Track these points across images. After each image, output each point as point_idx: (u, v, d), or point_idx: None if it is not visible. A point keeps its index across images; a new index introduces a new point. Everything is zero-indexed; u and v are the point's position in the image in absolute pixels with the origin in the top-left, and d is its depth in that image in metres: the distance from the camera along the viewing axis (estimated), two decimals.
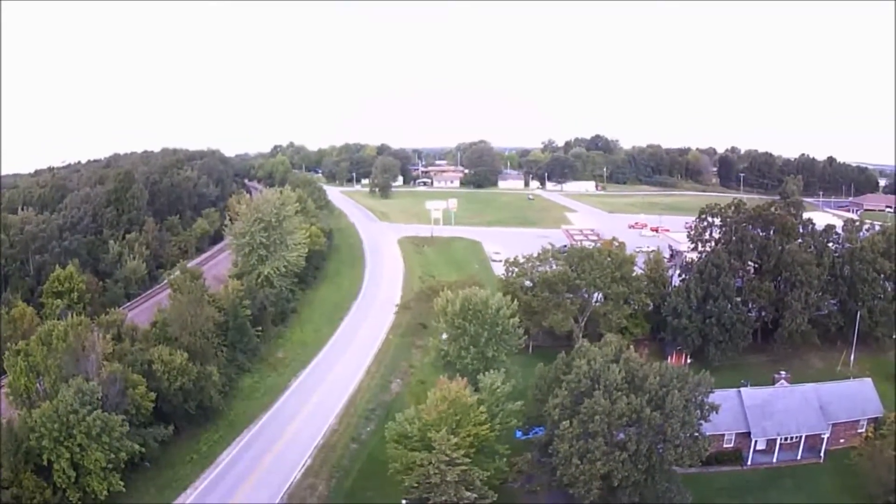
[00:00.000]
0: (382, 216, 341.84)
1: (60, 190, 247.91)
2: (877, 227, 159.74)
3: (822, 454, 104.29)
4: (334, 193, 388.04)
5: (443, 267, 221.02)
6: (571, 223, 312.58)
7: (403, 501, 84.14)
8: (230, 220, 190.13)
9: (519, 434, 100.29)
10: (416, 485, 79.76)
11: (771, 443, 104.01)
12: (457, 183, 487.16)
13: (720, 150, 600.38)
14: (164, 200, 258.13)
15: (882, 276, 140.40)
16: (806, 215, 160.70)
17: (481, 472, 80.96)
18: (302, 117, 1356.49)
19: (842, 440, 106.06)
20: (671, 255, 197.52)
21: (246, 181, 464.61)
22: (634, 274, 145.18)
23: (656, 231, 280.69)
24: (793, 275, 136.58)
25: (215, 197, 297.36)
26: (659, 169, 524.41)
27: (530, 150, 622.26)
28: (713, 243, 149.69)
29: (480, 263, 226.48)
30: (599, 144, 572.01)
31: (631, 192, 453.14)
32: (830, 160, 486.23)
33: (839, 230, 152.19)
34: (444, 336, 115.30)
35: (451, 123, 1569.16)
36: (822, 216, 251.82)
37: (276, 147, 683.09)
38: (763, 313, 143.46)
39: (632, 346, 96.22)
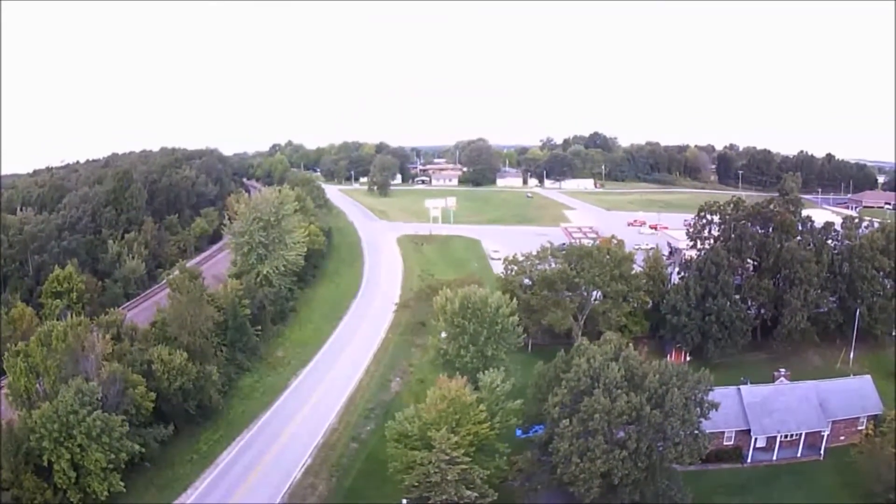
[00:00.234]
0: (381, 214, 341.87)
1: (59, 190, 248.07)
2: (876, 225, 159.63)
3: (822, 452, 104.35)
4: (333, 192, 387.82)
5: (442, 265, 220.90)
6: (570, 221, 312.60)
7: (404, 500, 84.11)
8: (229, 219, 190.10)
9: (519, 433, 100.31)
10: (416, 484, 79.78)
11: (771, 440, 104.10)
12: (455, 181, 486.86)
13: (719, 147, 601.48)
14: (163, 200, 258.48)
15: (881, 273, 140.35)
16: (805, 212, 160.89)
17: (481, 471, 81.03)
18: (300, 116, 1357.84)
19: (842, 437, 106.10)
20: (670, 253, 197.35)
21: (244, 180, 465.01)
22: (633, 272, 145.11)
23: (655, 229, 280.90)
24: (792, 272, 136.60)
25: (214, 196, 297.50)
26: (657, 166, 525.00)
27: (529, 148, 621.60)
28: (712, 241, 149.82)
29: (479, 262, 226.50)
30: (598, 142, 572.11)
31: (629, 189, 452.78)
32: (829, 157, 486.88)
33: (838, 227, 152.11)
34: (444, 335, 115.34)
35: (449, 121, 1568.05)
36: (821, 213, 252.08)
37: (274, 146, 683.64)
38: (762, 311, 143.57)
39: (631, 344, 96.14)
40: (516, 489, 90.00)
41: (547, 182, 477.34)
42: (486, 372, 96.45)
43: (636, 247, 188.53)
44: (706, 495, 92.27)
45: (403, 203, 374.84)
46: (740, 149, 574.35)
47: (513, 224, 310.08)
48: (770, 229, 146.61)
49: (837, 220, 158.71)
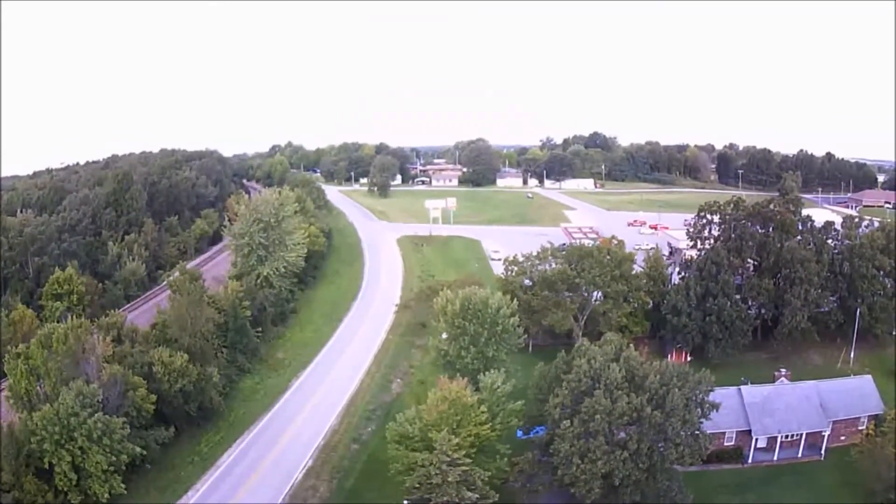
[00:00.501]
0: (381, 215, 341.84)
1: (59, 192, 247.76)
2: (876, 224, 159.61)
3: (822, 452, 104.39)
4: (333, 193, 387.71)
5: (442, 266, 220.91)
6: (570, 221, 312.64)
7: (405, 502, 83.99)
8: (229, 220, 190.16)
9: (520, 434, 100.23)
10: (417, 485, 79.69)
11: (771, 441, 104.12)
12: (455, 181, 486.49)
13: (718, 146, 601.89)
14: (163, 201, 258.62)
15: (881, 272, 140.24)
16: (805, 212, 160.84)
17: (482, 472, 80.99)
18: (300, 117, 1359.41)
19: (842, 437, 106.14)
20: (670, 253, 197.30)
21: (244, 181, 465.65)
22: (634, 272, 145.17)
23: (655, 228, 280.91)
24: (792, 272, 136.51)
25: (214, 197, 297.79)
26: (657, 166, 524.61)
27: (528, 148, 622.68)
28: (712, 241, 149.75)
29: (479, 262, 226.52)
30: (598, 142, 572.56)
31: (629, 189, 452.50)
32: (829, 156, 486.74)
33: (838, 227, 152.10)
34: (444, 336, 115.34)
35: (449, 122, 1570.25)
36: (821, 212, 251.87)
37: (274, 147, 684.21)
38: (763, 311, 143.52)
39: (632, 345, 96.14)
40: (517, 490, 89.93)
41: (547, 182, 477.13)
42: (487, 373, 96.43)
43: (636, 247, 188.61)
44: (707, 495, 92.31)
45: (403, 204, 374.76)
46: (740, 148, 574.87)
47: (513, 224, 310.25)
48: (770, 229, 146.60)
49: (837, 220, 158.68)
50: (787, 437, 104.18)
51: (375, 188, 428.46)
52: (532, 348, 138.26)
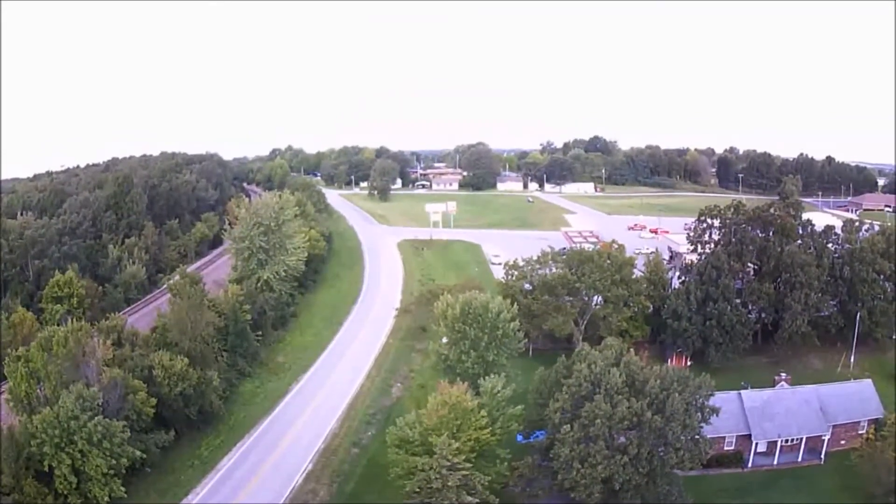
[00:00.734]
0: (381, 219, 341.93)
1: (59, 194, 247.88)
2: (876, 228, 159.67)
3: (822, 456, 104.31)
4: (333, 196, 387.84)
5: (442, 270, 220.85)
6: (570, 225, 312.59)
7: None
8: (229, 224, 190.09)
9: (520, 438, 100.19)
10: (417, 490, 79.66)
11: (771, 445, 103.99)
12: (455, 185, 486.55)
13: (719, 150, 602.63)
14: (163, 204, 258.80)
15: (882, 276, 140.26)
16: (805, 216, 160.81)
17: (482, 477, 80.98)
18: (300, 120, 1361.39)
19: (842, 441, 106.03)
20: (670, 257, 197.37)
21: (245, 185, 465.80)
22: (634, 276, 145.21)
23: (655, 233, 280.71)
24: (792, 276, 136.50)
25: (214, 201, 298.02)
26: (657, 170, 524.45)
27: (529, 152, 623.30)
28: (713, 245, 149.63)
29: (480, 266, 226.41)
30: (598, 146, 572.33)
31: (630, 193, 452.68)
32: (829, 160, 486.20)
33: (838, 231, 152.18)
34: (445, 340, 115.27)
35: (449, 125, 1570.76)
36: (822, 216, 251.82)
37: (274, 150, 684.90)
38: (763, 315, 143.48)
39: (632, 349, 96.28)
40: (517, 495, 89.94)
41: (547, 186, 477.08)
42: (487, 377, 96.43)
43: (637, 251, 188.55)
44: (707, 500, 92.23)
45: (404, 207, 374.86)
46: (740, 152, 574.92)
47: (513, 228, 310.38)
48: (770, 233, 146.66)
49: (838, 224, 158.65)
50: (787, 441, 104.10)
51: (376, 192, 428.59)
52: (532, 353, 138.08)
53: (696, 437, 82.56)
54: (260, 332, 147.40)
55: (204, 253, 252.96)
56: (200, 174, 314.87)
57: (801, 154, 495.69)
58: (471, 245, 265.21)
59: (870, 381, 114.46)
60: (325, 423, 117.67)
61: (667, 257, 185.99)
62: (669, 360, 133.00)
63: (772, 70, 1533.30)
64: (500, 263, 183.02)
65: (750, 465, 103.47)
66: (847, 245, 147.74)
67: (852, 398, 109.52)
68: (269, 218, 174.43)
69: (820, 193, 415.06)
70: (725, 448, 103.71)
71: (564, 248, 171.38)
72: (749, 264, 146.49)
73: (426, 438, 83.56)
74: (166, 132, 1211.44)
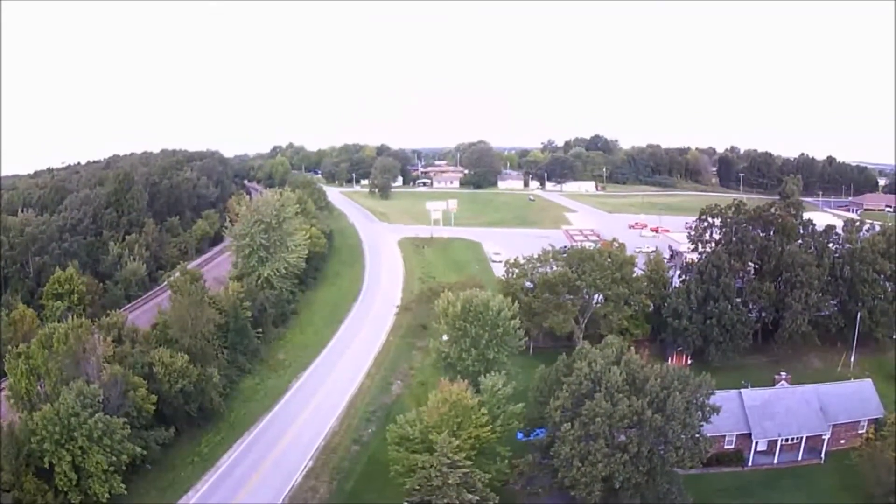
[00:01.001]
0: (382, 217, 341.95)
1: (60, 191, 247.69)
2: (877, 228, 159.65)
3: (822, 455, 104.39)
4: (334, 194, 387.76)
5: (443, 268, 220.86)
6: (571, 223, 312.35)
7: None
8: (230, 221, 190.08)
9: (520, 436, 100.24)
10: (417, 487, 79.62)
11: (772, 444, 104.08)
12: (456, 183, 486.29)
13: (720, 149, 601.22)
14: (164, 202, 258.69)
15: (882, 276, 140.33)
16: (806, 215, 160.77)
17: (483, 475, 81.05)
18: (301, 118, 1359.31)
19: (842, 441, 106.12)
20: (671, 256, 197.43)
21: (245, 182, 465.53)
22: (635, 275, 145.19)
23: (656, 231, 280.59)
24: (793, 275, 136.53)
25: (215, 198, 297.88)
26: (658, 169, 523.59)
27: (530, 151, 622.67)
28: (713, 244, 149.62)
29: (480, 264, 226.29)
30: (599, 144, 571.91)
31: (630, 192, 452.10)
32: (830, 160, 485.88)
33: (839, 230, 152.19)
34: (445, 338, 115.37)
35: (450, 123, 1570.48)
36: (822, 216, 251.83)
37: (275, 148, 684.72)
38: (763, 314, 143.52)
39: (632, 348, 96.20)
40: (518, 493, 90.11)
41: (548, 184, 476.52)
42: (488, 375, 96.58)
43: (637, 250, 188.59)
44: (707, 499, 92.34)
45: (404, 205, 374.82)
46: (741, 151, 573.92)
47: (514, 227, 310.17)
48: (771, 232, 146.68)
49: (839, 224, 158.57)
50: (787, 440, 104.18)
51: (376, 189, 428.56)
52: (533, 351, 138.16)
53: (697, 435, 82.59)
54: (260, 330, 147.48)
55: (204, 250, 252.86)
56: (201, 171, 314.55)
57: (802, 154, 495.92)
58: (471, 243, 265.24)
59: (870, 380, 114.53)
60: (325, 420, 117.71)
61: (667, 256, 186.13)
62: (670, 359, 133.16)
63: (773, 70, 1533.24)
64: (500, 261, 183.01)
65: (750, 463, 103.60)
66: (848, 245, 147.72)
67: (852, 398, 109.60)
68: (269, 215, 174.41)
69: (821, 193, 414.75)
70: (726, 447, 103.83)
71: (565, 247, 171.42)
72: (750, 263, 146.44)
73: (426, 436, 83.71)
74: (167, 129, 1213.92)
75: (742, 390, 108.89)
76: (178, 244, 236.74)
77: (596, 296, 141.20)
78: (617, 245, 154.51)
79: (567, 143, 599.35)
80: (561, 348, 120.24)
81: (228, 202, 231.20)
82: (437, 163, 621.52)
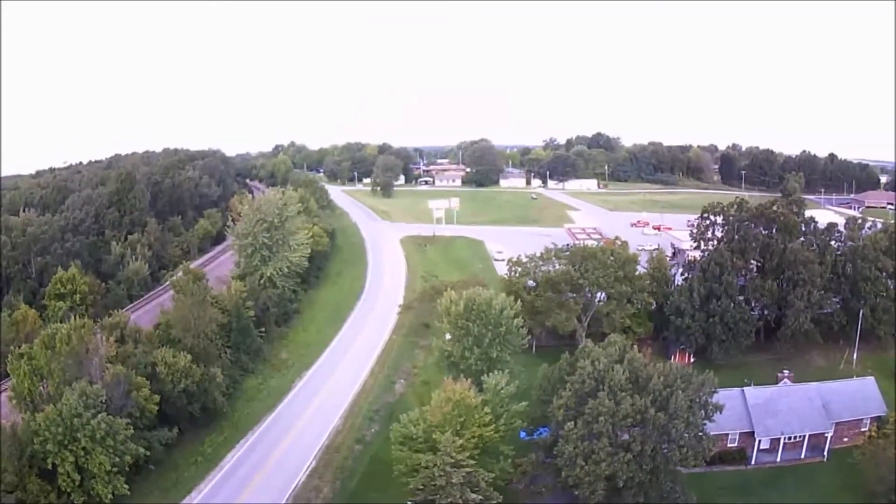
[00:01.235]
0: (384, 215, 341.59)
1: (62, 191, 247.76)
2: (878, 225, 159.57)
3: (825, 453, 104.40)
4: (336, 193, 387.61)
5: (445, 266, 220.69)
6: (573, 222, 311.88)
7: (409, 503, 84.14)
8: (232, 220, 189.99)
9: (523, 435, 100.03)
10: (421, 487, 79.66)
11: (774, 442, 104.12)
12: (458, 182, 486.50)
13: (721, 147, 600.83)
14: (166, 201, 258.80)
15: (884, 274, 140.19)
16: (808, 213, 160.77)
17: (486, 474, 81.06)
18: (303, 116, 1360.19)
19: (845, 439, 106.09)
20: (674, 254, 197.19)
21: (248, 181, 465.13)
22: (637, 273, 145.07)
23: (658, 229, 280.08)
24: (795, 273, 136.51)
25: (217, 197, 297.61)
26: (660, 167, 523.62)
27: (532, 149, 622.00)
28: (716, 242, 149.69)
29: (483, 263, 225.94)
30: (601, 142, 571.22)
31: (633, 189, 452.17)
32: (832, 157, 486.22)
33: (841, 228, 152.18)
34: (448, 336, 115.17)
35: (452, 122, 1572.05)
36: (824, 214, 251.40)
37: (277, 147, 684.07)
38: (766, 312, 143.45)
39: (635, 346, 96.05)
40: (521, 492, 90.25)
41: (550, 182, 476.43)
42: (491, 374, 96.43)
43: (640, 248, 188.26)
44: (710, 497, 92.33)
45: (406, 204, 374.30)
46: (743, 149, 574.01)
47: (516, 225, 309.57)
48: (773, 230, 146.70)
49: (841, 221, 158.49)
50: (789, 438, 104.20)
51: (378, 188, 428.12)
52: (536, 349, 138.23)
53: (700, 434, 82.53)
54: (263, 329, 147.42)
55: (207, 249, 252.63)
56: (203, 170, 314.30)
57: (804, 151, 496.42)
58: (474, 241, 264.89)
59: (872, 378, 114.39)
60: (328, 419, 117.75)
61: (670, 254, 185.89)
62: (673, 357, 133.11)
63: (774, 67, 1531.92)
64: (503, 260, 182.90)
65: (753, 462, 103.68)
66: (850, 242, 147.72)
67: (855, 396, 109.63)
68: (272, 214, 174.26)
69: (822, 190, 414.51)
70: (729, 445, 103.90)
71: (568, 245, 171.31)
72: (752, 261, 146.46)
73: (430, 435, 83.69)
74: (169, 128, 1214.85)
75: (745, 388, 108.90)
76: (181, 244, 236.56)
77: (598, 294, 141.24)
78: (619, 243, 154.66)
79: (569, 141, 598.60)
80: (564, 347, 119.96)
81: (231, 201, 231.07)
82: (439, 161, 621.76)
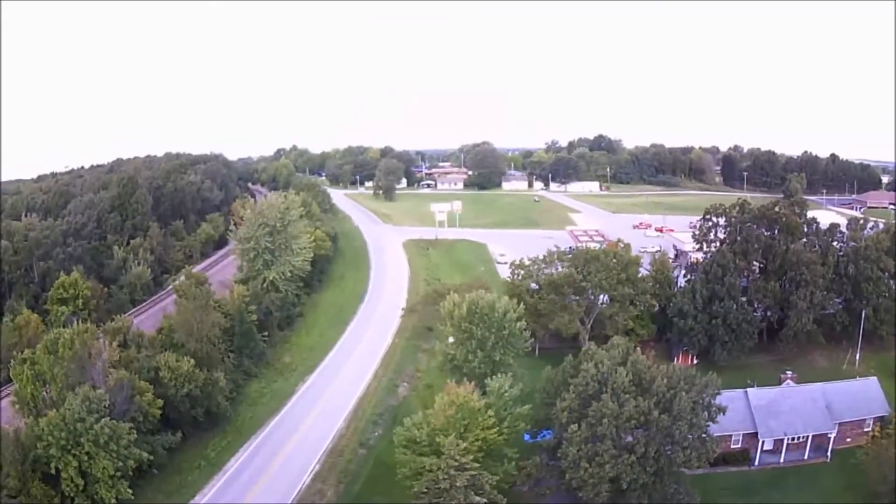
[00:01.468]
0: (386, 219, 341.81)
1: (64, 196, 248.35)
2: (880, 225, 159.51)
3: (828, 454, 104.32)
4: (338, 196, 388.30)
5: (448, 269, 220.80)
6: (576, 224, 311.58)
7: None
8: (234, 224, 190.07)
9: (527, 437, 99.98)
10: (425, 490, 79.61)
11: (778, 443, 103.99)
12: (461, 185, 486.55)
13: (723, 148, 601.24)
14: (168, 205, 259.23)
15: (886, 274, 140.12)
16: (810, 214, 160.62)
17: (490, 477, 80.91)
18: (305, 120, 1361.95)
19: (848, 439, 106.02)
20: (676, 256, 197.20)
21: (250, 185, 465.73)
22: (640, 275, 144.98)
23: (661, 231, 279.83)
24: (798, 274, 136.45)
25: (219, 201, 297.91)
26: (662, 168, 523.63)
27: (534, 151, 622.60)
28: (718, 243, 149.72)
29: (485, 265, 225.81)
30: (603, 144, 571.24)
31: (635, 192, 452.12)
32: (833, 157, 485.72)
33: (843, 229, 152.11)
34: (451, 340, 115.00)
35: (454, 125, 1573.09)
36: (826, 214, 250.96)
37: (279, 150, 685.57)
38: (768, 313, 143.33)
39: (638, 348, 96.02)
40: (525, 494, 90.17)
41: (552, 185, 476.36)
42: (494, 377, 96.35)
43: (642, 250, 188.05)
44: (713, 498, 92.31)
45: (409, 207, 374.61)
46: (744, 150, 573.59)
47: (518, 227, 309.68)
48: (776, 231, 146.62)
49: (843, 222, 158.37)
50: (793, 439, 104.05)
51: (381, 191, 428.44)
52: (539, 352, 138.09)
53: (703, 435, 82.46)
54: (266, 333, 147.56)
55: (209, 254, 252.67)
56: (205, 175, 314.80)
57: (806, 152, 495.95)
58: (476, 244, 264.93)
59: (875, 378, 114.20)
60: (331, 423, 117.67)
61: (672, 256, 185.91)
62: (676, 359, 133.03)
63: (776, 69, 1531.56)
64: (505, 263, 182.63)
65: (757, 463, 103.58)
66: (852, 243, 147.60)
67: (858, 396, 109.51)
68: (274, 218, 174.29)
69: (824, 191, 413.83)
70: (732, 446, 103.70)
71: (570, 248, 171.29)
72: (754, 263, 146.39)
73: (434, 439, 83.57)
74: (171, 133, 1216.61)
75: (748, 389, 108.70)
76: (183, 248, 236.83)
77: (601, 296, 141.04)
78: (622, 245, 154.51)
79: (571, 144, 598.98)
80: (567, 349, 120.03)
81: (233, 205, 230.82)
82: (441, 164, 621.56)
